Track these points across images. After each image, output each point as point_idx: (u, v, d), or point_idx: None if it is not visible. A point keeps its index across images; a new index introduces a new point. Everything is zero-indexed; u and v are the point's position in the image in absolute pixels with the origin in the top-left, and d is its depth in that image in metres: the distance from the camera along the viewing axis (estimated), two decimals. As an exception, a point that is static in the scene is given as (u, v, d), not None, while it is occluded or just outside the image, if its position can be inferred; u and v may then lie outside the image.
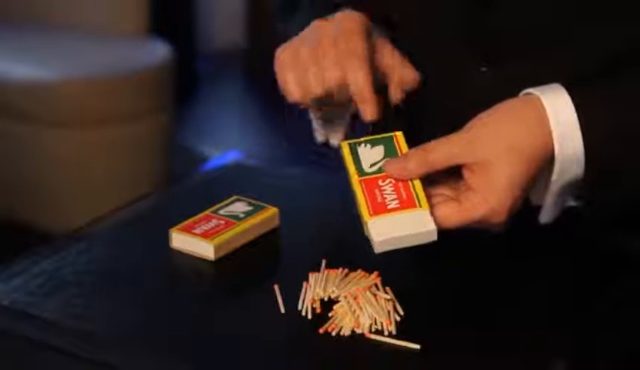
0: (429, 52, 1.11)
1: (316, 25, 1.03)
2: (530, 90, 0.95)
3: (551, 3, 1.02)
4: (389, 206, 0.91)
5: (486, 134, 0.94)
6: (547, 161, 0.94)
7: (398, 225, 0.90)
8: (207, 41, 4.18)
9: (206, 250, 1.00)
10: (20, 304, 0.93)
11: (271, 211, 1.05)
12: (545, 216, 0.99)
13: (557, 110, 0.93)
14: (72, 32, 2.96)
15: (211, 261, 0.99)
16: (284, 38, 1.24)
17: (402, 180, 0.93)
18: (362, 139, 0.98)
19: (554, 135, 0.93)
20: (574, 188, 0.97)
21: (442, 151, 0.93)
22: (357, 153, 0.96)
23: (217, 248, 0.99)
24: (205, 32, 4.15)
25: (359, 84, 0.98)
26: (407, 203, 0.91)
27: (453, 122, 1.07)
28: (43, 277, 0.97)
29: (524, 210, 0.96)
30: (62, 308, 0.92)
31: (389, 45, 1.04)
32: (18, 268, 0.98)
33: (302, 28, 1.19)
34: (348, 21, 1.01)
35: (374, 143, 0.97)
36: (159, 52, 2.88)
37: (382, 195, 0.92)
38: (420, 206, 0.91)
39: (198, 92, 4.06)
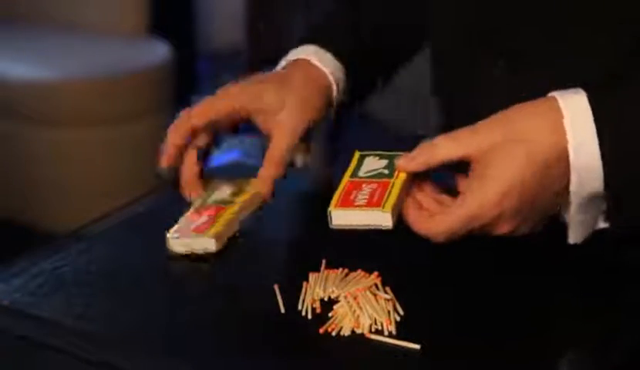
0: (442, 51, 1.11)
1: None
2: (552, 93, 0.91)
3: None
4: (355, 203, 0.93)
5: (491, 122, 0.91)
6: (560, 168, 0.89)
7: (356, 218, 0.93)
8: (207, 41, 4.17)
9: (207, 243, 0.99)
10: (20, 304, 0.93)
11: (254, 183, 1.06)
12: (572, 236, 0.94)
13: (575, 115, 0.89)
14: (72, 32, 2.96)
15: (211, 261, 0.99)
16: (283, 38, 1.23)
17: (384, 186, 0.94)
18: (377, 152, 1.00)
19: (569, 140, 0.88)
20: (600, 203, 0.92)
21: (446, 143, 0.91)
22: (363, 161, 0.99)
23: (217, 238, 0.99)
24: (205, 32, 4.15)
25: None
26: (373, 203, 0.92)
27: (467, 122, 1.06)
28: (43, 277, 0.97)
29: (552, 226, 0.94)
30: (62, 308, 0.92)
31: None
32: (18, 268, 0.98)
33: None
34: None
35: (382, 157, 0.99)
36: (158, 52, 2.88)
37: (357, 194, 0.94)
38: (383, 208, 0.92)
39: (198, 92, 4.06)
